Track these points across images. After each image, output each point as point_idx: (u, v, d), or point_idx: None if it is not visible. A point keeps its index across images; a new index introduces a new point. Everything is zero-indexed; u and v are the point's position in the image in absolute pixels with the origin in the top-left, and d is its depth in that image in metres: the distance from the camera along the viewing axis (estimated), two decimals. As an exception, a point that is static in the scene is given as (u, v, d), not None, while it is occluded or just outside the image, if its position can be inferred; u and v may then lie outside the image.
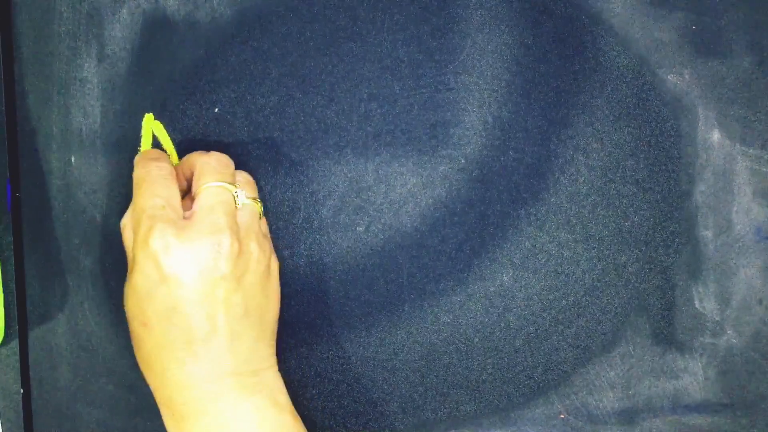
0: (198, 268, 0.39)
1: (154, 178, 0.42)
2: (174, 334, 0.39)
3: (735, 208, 0.47)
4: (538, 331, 0.47)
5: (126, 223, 0.43)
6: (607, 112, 0.47)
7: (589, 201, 0.47)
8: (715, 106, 0.47)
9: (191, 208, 0.42)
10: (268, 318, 0.43)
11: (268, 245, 0.44)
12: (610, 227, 0.47)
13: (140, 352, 0.41)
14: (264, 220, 0.45)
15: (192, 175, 0.43)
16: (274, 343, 0.43)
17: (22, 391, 0.46)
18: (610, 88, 0.47)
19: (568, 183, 0.47)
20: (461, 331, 0.47)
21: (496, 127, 0.46)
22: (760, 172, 0.47)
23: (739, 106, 0.47)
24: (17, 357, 0.46)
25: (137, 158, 0.44)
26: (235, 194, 0.42)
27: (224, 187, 0.42)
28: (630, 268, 0.47)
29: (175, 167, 0.44)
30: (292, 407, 0.42)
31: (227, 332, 0.40)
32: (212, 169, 0.42)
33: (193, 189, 0.42)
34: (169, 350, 0.40)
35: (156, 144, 0.46)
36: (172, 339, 0.39)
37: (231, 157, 0.44)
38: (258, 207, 0.44)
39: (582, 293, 0.47)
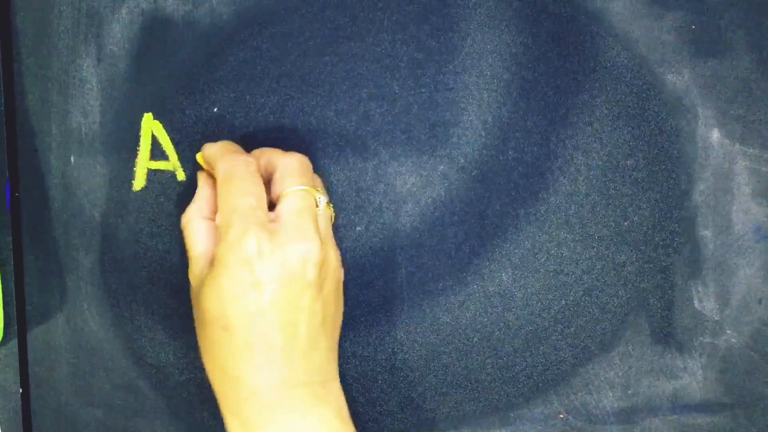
0: (288, 275, 0.39)
1: (244, 174, 0.41)
2: (255, 339, 0.39)
3: (734, 208, 0.47)
4: (538, 330, 0.47)
5: (189, 220, 0.42)
6: (606, 111, 0.47)
7: (589, 200, 0.47)
8: (714, 106, 0.47)
9: (271, 209, 0.41)
10: (337, 326, 0.43)
11: (338, 253, 0.43)
12: (609, 227, 0.47)
13: (215, 357, 0.40)
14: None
15: (268, 173, 0.42)
16: (337, 350, 0.43)
17: (21, 390, 0.46)
18: (609, 88, 0.47)
19: (567, 182, 0.47)
20: (460, 330, 0.47)
21: (496, 127, 0.46)
22: (760, 171, 0.47)
23: (739, 106, 0.47)
24: (16, 357, 0.46)
25: (215, 149, 0.43)
26: (318, 199, 0.42)
27: (309, 191, 0.41)
28: (629, 268, 0.47)
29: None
30: (351, 420, 0.42)
31: (306, 340, 0.40)
32: (296, 171, 0.42)
33: (276, 190, 0.41)
34: (248, 355, 0.39)
35: (155, 144, 0.46)
36: (253, 344, 0.39)
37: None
38: (332, 212, 0.44)
39: (581, 293, 0.47)
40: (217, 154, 0.42)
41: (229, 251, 0.39)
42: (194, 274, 0.41)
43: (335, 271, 0.42)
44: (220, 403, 0.41)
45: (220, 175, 0.41)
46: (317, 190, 0.42)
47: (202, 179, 0.44)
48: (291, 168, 0.42)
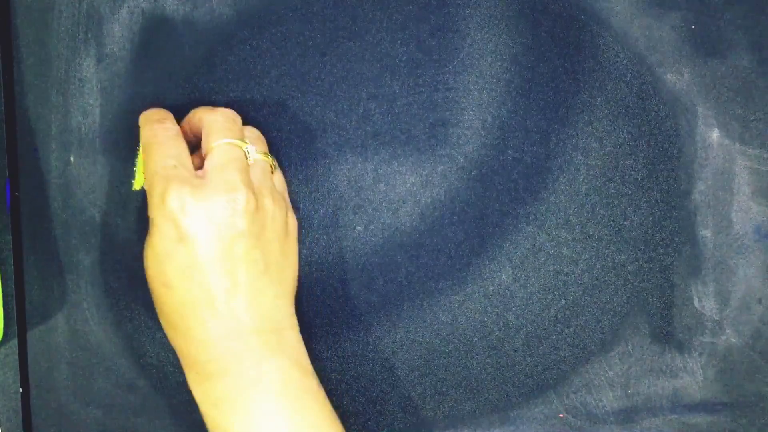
0: (215, 226, 0.39)
1: (162, 139, 0.42)
2: (195, 292, 0.39)
3: (734, 208, 0.47)
4: (537, 330, 0.47)
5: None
6: (606, 111, 0.47)
7: (589, 200, 0.47)
8: (714, 106, 0.47)
9: (201, 166, 0.42)
10: (287, 275, 0.43)
11: (283, 201, 0.43)
12: (609, 226, 0.47)
13: (163, 314, 0.41)
14: (279, 174, 0.45)
15: (199, 132, 0.43)
16: (293, 301, 0.43)
17: (21, 390, 0.46)
18: (609, 87, 0.47)
19: (567, 182, 0.47)
20: (460, 330, 0.47)
21: (495, 127, 0.46)
22: (760, 171, 0.47)
23: (739, 106, 0.47)
24: (16, 356, 0.46)
25: (142, 119, 0.44)
26: (246, 151, 0.42)
27: (234, 143, 0.42)
28: (629, 268, 0.47)
29: (181, 125, 0.44)
30: (313, 371, 0.42)
31: (248, 289, 0.40)
32: (221, 126, 0.42)
33: (203, 147, 0.42)
34: (191, 309, 0.40)
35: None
36: (194, 297, 0.39)
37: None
38: (270, 161, 0.44)
39: (581, 292, 0.47)
40: (140, 123, 0.43)
41: (154, 210, 0.40)
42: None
43: (276, 219, 0.42)
44: (179, 358, 0.41)
45: (142, 143, 0.42)
46: (245, 142, 0.42)
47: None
48: (215, 123, 0.42)
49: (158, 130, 0.42)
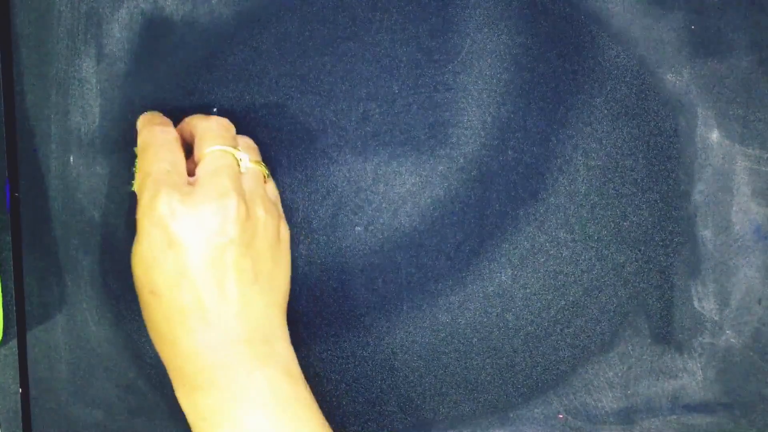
0: (205, 233, 0.39)
1: (159, 142, 0.41)
2: (183, 300, 0.39)
3: (734, 208, 0.47)
4: (537, 331, 0.47)
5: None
6: (606, 111, 0.47)
7: (588, 201, 0.47)
8: (714, 106, 0.47)
9: (193, 173, 0.41)
10: (278, 285, 0.42)
11: (276, 210, 0.43)
12: (608, 227, 0.47)
13: (150, 322, 0.41)
14: (272, 184, 0.45)
15: (192, 139, 0.43)
16: (284, 312, 0.43)
17: (20, 390, 0.46)
18: (609, 88, 0.47)
19: (567, 183, 0.47)
20: (460, 331, 0.47)
21: (495, 127, 0.46)
22: (759, 171, 0.47)
23: (739, 106, 0.47)
24: (16, 357, 0.46)
25: (141, 122, 0.43)
26: (238, 158, 0.42)
27: (227, 150, 0.41)
28: (629, 268, 0.47)
29: (179, 131, 0.44)
30: (305, 380, 0.41)
31: (237, 298, 0.39)
32: (214, 133, 0.42)
33: (195, 154, 0.42)
34: (179, 318, 0.39)
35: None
36: (182, 306, 0.39)
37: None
38: (263, 170, 0.43)
39: (581, 293, 0.47)
40: (138, 126, 0.43)
41: (143, 215, 0.39)
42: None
43: (268, 228, 0.41)
44: (167, 368, 0.41)
45: (138, 145, 0.42)
46: (238, 149, 0.42)
47: None
48: (208, 130, 0.42)
49: (157, 133, 0.42)
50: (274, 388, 0.39)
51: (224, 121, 0.43)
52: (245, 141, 0.44)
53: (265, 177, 0.43)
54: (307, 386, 0.41)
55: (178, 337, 0.39)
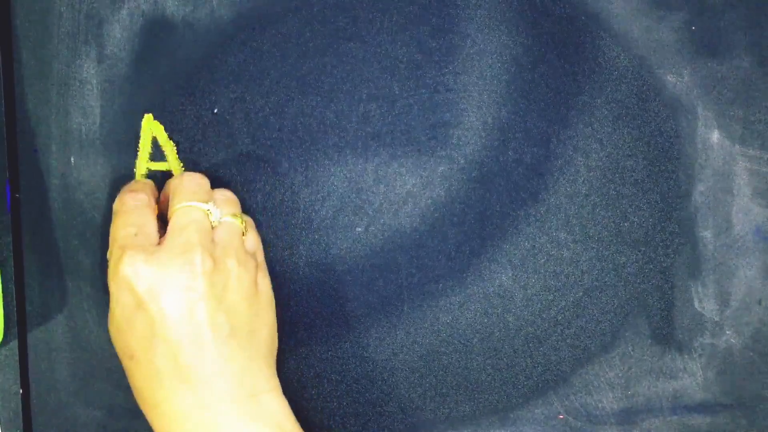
0: (173, 290, 0.38)
1: (128, 208, 0.41)
2: (160, 362, 0.38)
3: (734, 209, 0.47)
4: (537, 331, 0.47)
5: None
6: (606, 112, 0.47)
7: (589, 201, 0.47)
8: (714, 107, 0.47)
9: None
10: (261, 337, 0.41)
11: (252, 261, 0.42)
12: (609, 227, 0.47)
13: (133, 387, 0.40)
14: (253, 236, 0.44)
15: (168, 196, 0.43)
16: (273, 363, 0.42)
17: (21, 391, 0.46)
18: (609, 89, 0.47)
19: (567, 183, 0.47)
20: (460, 331, 0.47)
21: (496, 128, 0.46)
22: (760, 172, 0.47)
23: (739, 107, 0.47)
24: (16, 357, 0.46)
25: (120, 191, 0.43)
26: (208, 211, 0.41)
27: (194, 206, 0.41)
28: (629, 269, 0.47)
29: (162, 194, 0.44)
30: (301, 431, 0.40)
31: (215, 354, 0.38)
32: (184, 189, 0.41)
33: (168, 212, 0.41)
34: (159, 380, 0.38)
35: (155, 144, 0.46)
36: (160, 368, 0.38)
37: (229, 157, 0.45)
38: (239, 223, 0.42)
39: (581, 294, 0.47)
40: (119, 193, 0.43)
41: (111, 280, 0.39)
42: None
43: (242, 280, 0.40)
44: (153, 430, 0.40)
45: (113, 213, 0.42)
46: (208, 204, 0.41)
47: None
48: (178, 187, 0.42)
49: (127, 199, 0.42)
50: None
51: (197, 177, 0.43)
52: (222, 195, 0.43)
53: (243, 230, 0.43)
54: None
55: (159, 401, 0.38)
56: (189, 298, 0.38)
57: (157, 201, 0.44)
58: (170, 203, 0.41)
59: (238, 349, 0.39)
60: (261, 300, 0.42)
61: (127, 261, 0.38)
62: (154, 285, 0.38)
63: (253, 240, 0.44)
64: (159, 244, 0.40)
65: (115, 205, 0.42)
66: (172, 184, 0.42)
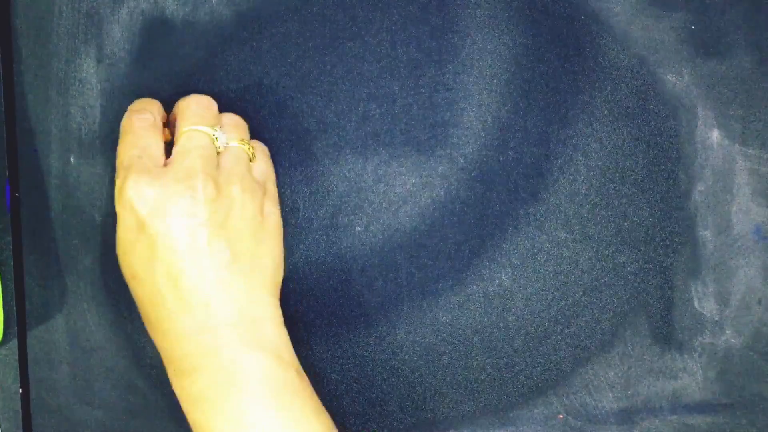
0: (174, 215, 0.38)
1: (134, 129, 0.41)
2: (161, 283, 0.38)
3: (734, 208, 0.47)
4: (537, 331, 0.47)
5: None
6: (606, 111, 0.47)
7: (588, 201, 0.47)
8: (714, 106, 0.47)
9: None
10: (263, 264, 0.41)
11: (259, 190, 0.42)
12: (609, 227, 0.47)
13: (138, 306, 0.41)
14: (263, 162, 0.43)
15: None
16: (275, 292, 0.42)
17: (21, 390, 0.46)
18: (609, 88, 0.47)
19: (567, 183, 0.47)
20: (460, 331, 0.47)
21: (495, 127, 0.46)
22: (760, 172, 0.47)
23: (739, 106, 0.47)
24: (16, 357, 0.46)
25: (127, 111, 0.43)
26: (214, 137, 0.41)
27: (200, 130, 0.41)
28: (629, 268, 0.47)
29: (169, 115, 0.43)
30: (299, 365, 0.40)
31: (215, 280, 0.39)
32: (191, 112, 0.41)
33: (174, 135, 0.41)
34: (161, 301, 0.39)
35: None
36: (161, 289, 0.38)
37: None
38: (246, 149, 0.42)
39: (581, 293, 0.47)
40: (126, 112, 0.43)
41: (116, 201, 0.39)
42: None
43: (246, 208, 0.40)
44: (160, 354, 0.40)
45: (120, 133, 0.42)
46: (214, 128, 0.41)
47: None
48: (186, 110, 0.41)
49: (133, 120, 0.41)
50: (263, 372, 0.38)
51: (204, 99, 0.42)
52: (231, 119, 0.43)
53: (250, 156, 0.42)
54: (302, 372, 0.40)
55: (161, 320, 0.39)
56: (190, 224, 0.38)
57: (166, 123, 0.44)
58: (177, 125, 0.41)
59: (239, 276, 0.39)
60: (267, 228, 0.42)
61: (130, 183, 0.39)
62: (156, 208, 0.38)
63: (263, 167, 0.43)
64: (165, 166, 0.40)
65: (122, 125, 0.42)
66: (179, 106, 0.42)
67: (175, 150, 0.40)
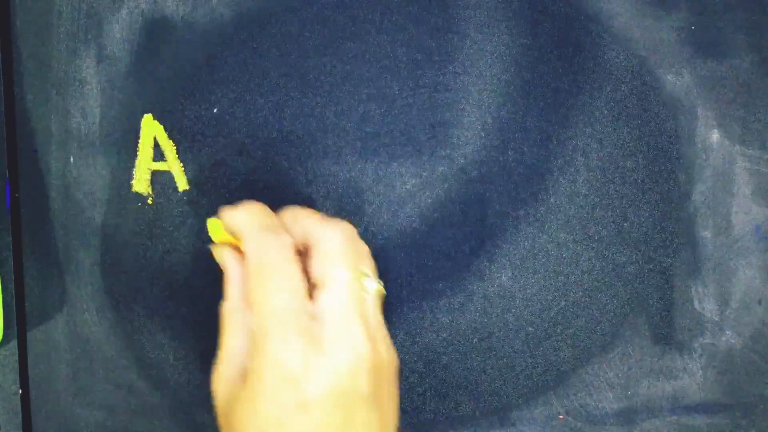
0: (337, 391, 0.33)
1: (279, 264, 0.34)
2: None
3: (734, 209, 0.47)
4: (537, 331, 0.47)
5: (233, 311, 0.36)
6: (606, 112, 0.47)
7: (589, 201, 0.47)
8: (714, 107, 0.47)
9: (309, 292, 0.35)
10: (393, 420, 0.36)
11: (389, 338, 0.36)
12: (609, 227, 0.47)
13: None
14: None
15: (304, 245, 0.36)
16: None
17: (20, 391, 0.46)
18: (609, 89, 0.47)
19: (567, 183, 0.47)
20: (460, 331, 0.47)
21: (495, 128, 0.46)
22: (759, 172, 0.47)
23: (739, 107, 0.47)
24: (16, 357, 0.46)
25: (242, 222, 0.37)
26: (366, 286, 0.35)
27: (354, 279, 0.35)
28: (629, 269, 0.47)
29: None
30: None
31: None
32: (339, 250, 0.35)
33: (316, 273, 0.35)
34: None
35: (155, 145, 0.46)
36: None
37: (229, 157, 0.44)
38: (381, 290, 0.37)
39: (581, 294, 0.47)
40: (244, 227, 0.36)
41: (267, 368, 0.33)
42: (223, 380, 0.36)
43: (389, 370, 0.35)
44: None
45: (250, 261, 0.35)
46: (364, 273, 0.35)
47: (227, 256, 0.38)
48: (332, 246, 0.35)
49: (273, 248, 0.35)
50: None
51: (348, 230, 0.36)
52: (365, 252, 0.37)
53: (383, 298, 0.37)
54: None
55: None
56: (352, 401, 0.33)
57: None
58: (321, 262, 0.35)
59: None
60: (397, 386, 0.37)
61: (294, 351, 0.33)
62: (319, 385, 0.33)
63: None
64: (314, 318, 0.34)
65: (258, 254, 0.35)
66: (321, 237, 0.35)
67: (328, 300, 0.34)
